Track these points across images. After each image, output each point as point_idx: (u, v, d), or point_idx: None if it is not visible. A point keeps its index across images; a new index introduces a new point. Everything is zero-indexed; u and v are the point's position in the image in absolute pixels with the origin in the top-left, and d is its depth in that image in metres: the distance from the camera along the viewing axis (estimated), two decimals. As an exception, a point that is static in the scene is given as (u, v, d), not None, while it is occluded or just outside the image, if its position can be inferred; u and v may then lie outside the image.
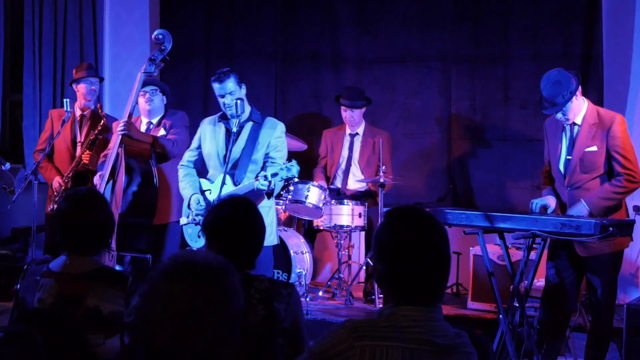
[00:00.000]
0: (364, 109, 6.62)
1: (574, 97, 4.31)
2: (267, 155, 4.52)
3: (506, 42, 6.85)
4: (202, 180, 4.63)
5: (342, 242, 6.44)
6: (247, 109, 4.58)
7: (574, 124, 4.41)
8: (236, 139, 4.49)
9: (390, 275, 2.04)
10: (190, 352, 1.62)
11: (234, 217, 2.76)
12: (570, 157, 4.42)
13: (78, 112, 5.98)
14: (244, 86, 4.59)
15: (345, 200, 6.22)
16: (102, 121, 5.72)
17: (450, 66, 7.02)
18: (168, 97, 5.35)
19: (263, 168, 4.46)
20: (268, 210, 4.50)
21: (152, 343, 1.63)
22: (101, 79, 6.33)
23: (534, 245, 4.32)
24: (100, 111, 5.88)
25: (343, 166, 6.65)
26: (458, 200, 7.01)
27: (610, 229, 3.82)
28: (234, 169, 4.48)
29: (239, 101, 4.48)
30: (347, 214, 6.16)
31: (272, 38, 7.50)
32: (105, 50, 7.76)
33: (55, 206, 5.72)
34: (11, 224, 7.28)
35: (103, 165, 5.11)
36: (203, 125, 4.69)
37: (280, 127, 4.62)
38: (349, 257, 6.68)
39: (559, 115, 4.38)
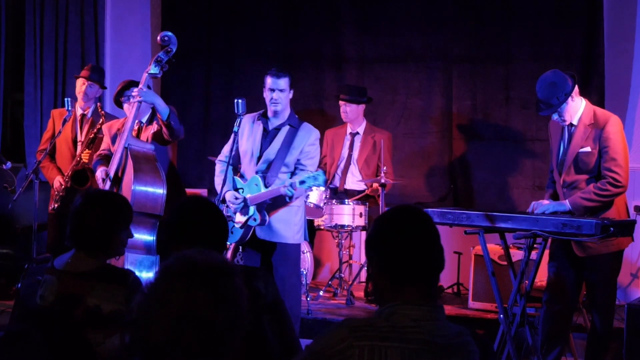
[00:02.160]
0: (362, 107, 6.61)
1: (569, 98, 4.30)
2: (298, 161, 4.66)
3: (507, 42, 6.85)
4: (236, 178, 4.76)
5: (343, 241, 6.44)
6: (287, 112, 4.75)
7: (571, 124, 4.41)
8: (271, 141, 4.66)
9: (385, 264, 2.05)
10: (186, 352, 1.62)
11: (198, 217, 2.75)
12: (565, 158, 4.43)
13: (79, 112, 5.98)
14: (292, 91, 4.76)
15: (347, 200, 6.22)
16: (101, 120, 5.74)
17: (451, 66, 7.02)
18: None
19: (294, 173, 4.65)
20: (297, 209, 4.73)
21: (148, 342, 1.63)
22: (103, 87, 6.25)
23: (535, 245, 4.32)
24: (99, 110, 5.88)
25: (342, 165, 6.64)
26: (459, 200, 7.01)
27: (611, 229, 3.81)
28: (267, 170, 4.64)
29: (240, 101, 4.60)
30: (348, 214, 6.16)
31: (273, 38, 7.49)
32: (107, 49, 7.76)
33: (57, 205, 5.74)
34: (12, 223, 7.28)
35: (99, 163, 5.11)
36: (241, 122, 4.74)
37: (315, 134, 4.76)
38: (350, 256, 6.68)
39: (555, 116, 4.39)
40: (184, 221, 2.77)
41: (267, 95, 4.72)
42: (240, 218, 4.64)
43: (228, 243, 4.72)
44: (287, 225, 4.68)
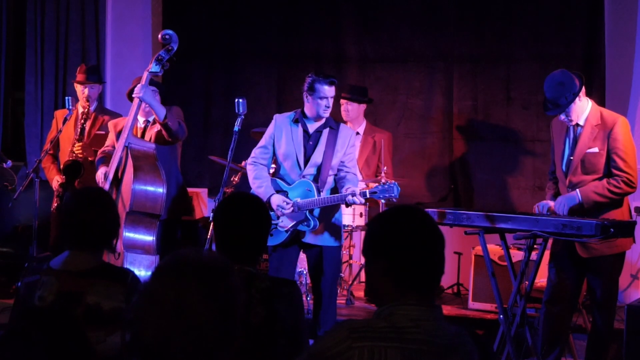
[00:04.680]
0: (363, 107, 6.60)
1: (577, 99, 4.31)
2: (342, 164, 4.65)
3: (508, 42, 6.85)
4: (278, 181, 4.69)
5: (343, 241, 6.42)
6: None
7: (577, 124, 4.41)
8: (315, 144, 4.61)
9: (392, 269, 2.02)
10: (179, 350, 1.61)
11: (242, 213, 2.77)
12: (572, 158, 4.43)
13: (80, 110, 5.99)
14: None
15: (347, 200, 6.21)
16: (92, 114, 5.81)
17: (452, 66, 7.01)
18: (161, 92, 5.35)
19: (336, 175, 4.65)
20: (339, 211, 4.72)
21: (142, 339, 1.63)
22: (101, 82, 6.27)
23: (535, 246, 4.32)
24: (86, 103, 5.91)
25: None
26: (459, 200, 7.01)
27: (611, 229, 3.82)
28: (317, 175, 4.59)
29: (241, 100, 4.65)
30: (348, 214, 6.15)
31: (274, 37, 7.49)
32: (108, 48, 7.76)
33: (57, 204, 5.76)
34: (12, 222, 7.28)
35: (101, 161, 5.12)
36: (276, 123, 4.71)
37: (354, 135, 4.85)
38: (350, 256, 6.68)
39: (563, 116, 4.39)
40: (217, 218, 2.81)
41: (318, 102, 4.59)
42: (287, 222, 4.58)
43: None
44: (333, 229, 4.66)
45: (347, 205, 4.55)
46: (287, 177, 4.67)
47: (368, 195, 4.44)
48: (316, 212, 4.60)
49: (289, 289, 2.77)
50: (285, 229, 4.58)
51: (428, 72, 7.08)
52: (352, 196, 4.40)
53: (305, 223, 4.56)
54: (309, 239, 4.61)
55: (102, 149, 5.32)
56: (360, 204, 4.53)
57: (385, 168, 6.11)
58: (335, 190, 4.65)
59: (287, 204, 4.53)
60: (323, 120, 4.66)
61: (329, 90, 4.60)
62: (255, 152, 4.74)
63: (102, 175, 4.95)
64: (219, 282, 1.68)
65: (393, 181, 4.54)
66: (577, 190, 4.32)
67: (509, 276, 4.37)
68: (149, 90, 4.94)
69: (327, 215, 4.63)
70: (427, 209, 4.41)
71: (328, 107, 4.61)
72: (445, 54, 7.03)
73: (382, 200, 4.60)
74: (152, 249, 4.72)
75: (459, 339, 2.02)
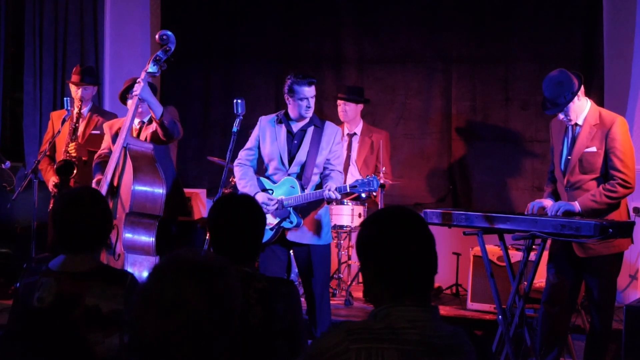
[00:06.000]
0: (360, 107, 6.61)
1: (575, 98, 4.31)
2: (327, 161, 4.66)
3: (507, 43, 6.86)
4: (263, 179, 4.72)
5: (342, 242, 6.44)
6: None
7: (576, 124, 4.42)
8: (300, 143, 4.64)
9: (383, 274, 2.02)
10: (178, 350, 1.61)
11: (236, 213, 2.78)
12: (570, 157, 4.43)
13: (76, 110, 5.98)
14: None
15: (346, 201, 6.22)
16: (88, 115, 5.85)
17: (450, 67, 7.02)
18: (155, 92, 5.34)
19: (322, 173, 4.66)
20: (326, 210, 4.75)
21: (140, 340, 1.63)
22: (96, 84, 6.28)
23: (533, 247, 4.32)
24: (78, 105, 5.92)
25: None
26: (458, 201, 7.02)
27: (610, 230, 3.82)
28: (301, 172, 4.62)
29: (239, 101, 4.68)
30: (347, 214, 6.16)
31: (273, 38, 7.50)
32: (106, 49, 7.76)
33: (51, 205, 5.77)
34: (11, 223, 7.27)
35: (98, 168, 5.10)
36: (261, 124, 4.75)
37: (340, 132, 4.81)
38: (349, 257, 6.68)
39: (561, 116, 4.40)
40: (213, 219, 2.81)
41: (298, 103, 4.60)
42: (271, 220, 4.59)
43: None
44: (318, 227, 4.67)
45: (328, 202, 4.60)
46: (272, 177, 4.71)
47: (348, 189, 4.48)
48: (302, 209, 4.62)
49: (287, 289, 2.77)
50: (271, 226, 4.60)
51: (427, 72, 7.09)
52: (329, 191, 4.44)
53: (288, 220, 4.58)
54: (294, 237, 4.63)
55: (99, 152, 5.29)
56: (337, 198, 4.56)
57: (384, 168, 6.11)
58: (320, 187, 4.66)
59: (271, 200, 4.57)
60: (307, 120, 4.69)
61: (308, 91, 4.61)
62: (241, 154, 4.79)
63: (96, 182, 4.95)
64: (217, 282, 1.68)
65: (373, 175, 4.57)
66: (577, 201, 4.32)
67: (508, 277, 4.37)
68: (147, 88, 4.92)
69: (310, 213, 4.65)
70: (426, 210, 4.42)
71: (309, 108, 4.63)
72: (444, 55, 7.04)
73: (363, 196, 4.64)
74: (151, 250, 4.71)
75: (457, 339, 2.02)
